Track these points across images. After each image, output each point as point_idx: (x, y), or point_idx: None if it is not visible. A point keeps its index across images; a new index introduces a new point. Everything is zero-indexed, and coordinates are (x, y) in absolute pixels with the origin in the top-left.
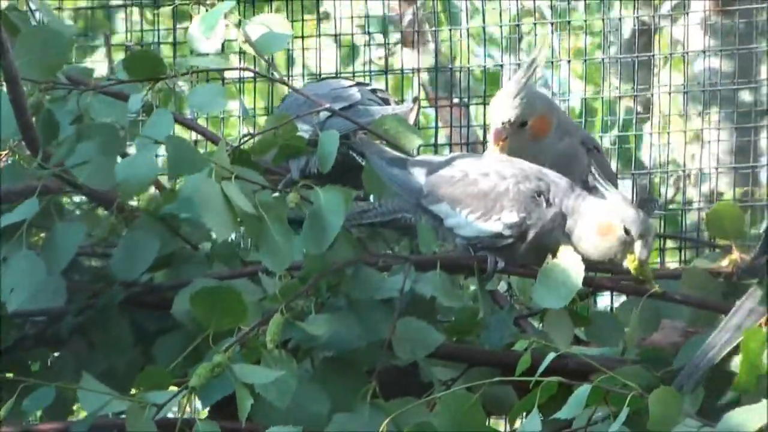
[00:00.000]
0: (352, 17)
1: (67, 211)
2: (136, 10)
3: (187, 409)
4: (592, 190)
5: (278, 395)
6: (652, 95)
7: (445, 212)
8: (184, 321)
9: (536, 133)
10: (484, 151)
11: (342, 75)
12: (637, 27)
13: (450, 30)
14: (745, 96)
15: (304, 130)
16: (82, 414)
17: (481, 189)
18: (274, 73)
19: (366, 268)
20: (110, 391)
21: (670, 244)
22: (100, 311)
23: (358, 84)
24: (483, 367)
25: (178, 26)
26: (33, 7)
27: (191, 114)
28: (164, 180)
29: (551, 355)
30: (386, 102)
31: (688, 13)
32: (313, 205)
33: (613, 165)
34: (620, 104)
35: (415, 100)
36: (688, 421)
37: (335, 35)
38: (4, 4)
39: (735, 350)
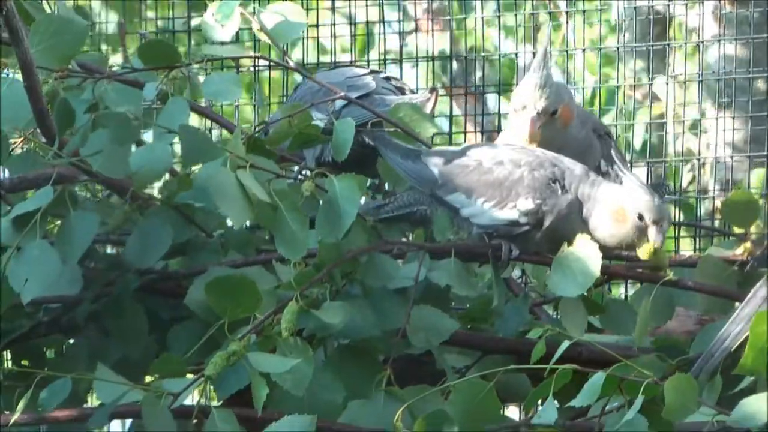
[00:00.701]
0: (366, 5)
1: (81, 199)
2: None
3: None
4: (605, 175)
5: (294, 384)
6: (667, 84)
7: (461, 202)
8: (199, 311)
9: (564, 122)
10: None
11: (356, 63)
12: (652, 16)
13: (465, 19)
14: (760, 85)
15: (318, 119)
16: (95, 401)
17: (497, 177)
18: (289, 61)
19: (381, 256)
20: (125, 381)
21: (684, 232)
22: (115, 299)
23: (372, 72)
24: (497, 354)
25: (193, 15)
26: None
27: (206, 102)
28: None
29: (566, 343)
30: (401, 90)
31: (702, 2)
32: (328, 193)
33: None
34: (635, 93)
35: (433, 89)
36: (703, 409)
37: (350, 23)
38: None
39: None
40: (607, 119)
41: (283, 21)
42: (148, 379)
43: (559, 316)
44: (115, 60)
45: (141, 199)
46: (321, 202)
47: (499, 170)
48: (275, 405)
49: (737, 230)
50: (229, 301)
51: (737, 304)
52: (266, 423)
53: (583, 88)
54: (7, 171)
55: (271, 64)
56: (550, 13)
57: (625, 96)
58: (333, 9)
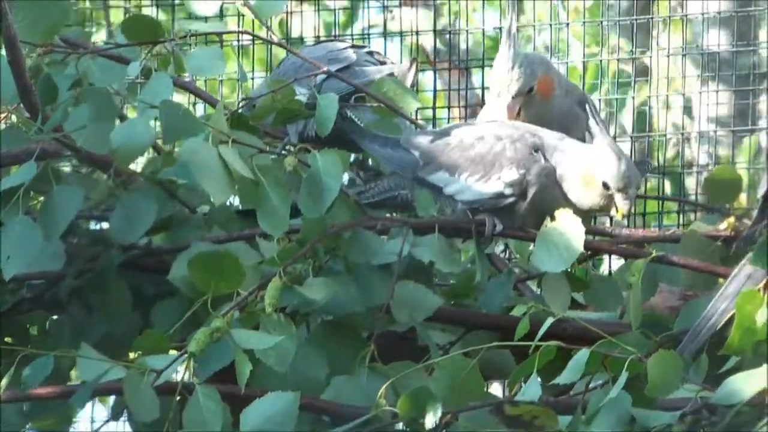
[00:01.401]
0: None
1: (65, 174)
2: None
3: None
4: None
5: (277, 360)
6: (651, 58)
7: (444, 180)
8: (182, 287)
9: (544, 94)
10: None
11: (340, 38)
12: None
13: None
14: (744, 59)
15: (301, 94)
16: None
17: (478, 152)
18: (273, 36)
19: (364, 231)
20: (108, 359)
21: (669, 206)
22: (98, 275)
23: (354, 46)
24: (481, 330)
25: None
26: None
27: (190, 78)
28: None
29: (550, 320)
30: (383, 64)
31: None
32: (311, 168)
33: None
34: (618, 67)
35: (413, 60)
36: (687, 386)
37: None
38: None
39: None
40: (596, 96)
41: None
42: (132, 355)
43: (541, 293)
44: (100, 37)
45: (124, 174)
46: (304, 177)
47: (480, 145)
48: (258, 382)
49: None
50: (212, 276)
51: (721, 280)
52: (250, 399)
53: (567, 63)
54: None
55: (255, 39)
56: None
57: (610, 70)
58: None
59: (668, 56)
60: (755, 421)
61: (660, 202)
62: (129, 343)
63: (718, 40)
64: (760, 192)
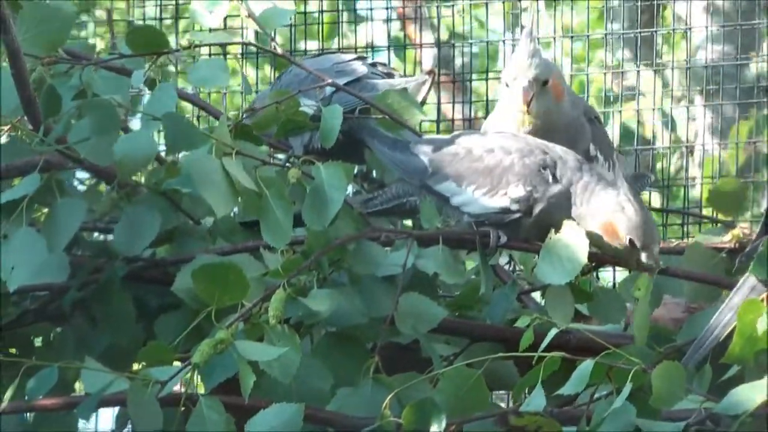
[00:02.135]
0: None
1: (68, 186)
2: None
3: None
4: (593, 159)
5: (282, 371)
6: (655, 71)
7: (451, 190)
8: (187, 298)
9: (556, 95)
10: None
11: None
12: (639, 3)
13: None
14: (748, 72)
15: (307, 105)
16: (83, 389)
17: (487, 165)
18: (277, 47)
19: (368, 243)
20: (113, 371)
21: (672, 219)
22: (102, 286)
23: (360, 58)
24: (485, 342)
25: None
26: None
27: (193, 89)
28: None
29: (554, 331)
30: (390, 76)
31: None
32: (315, 180)
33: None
34: (622, 80)
35: (430, 72)
36: (691, 397)
37: (338, 10)
38: None
39: None
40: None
41: (272, 7)
42: (135, 367)
43: (545, 304)
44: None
45: (128, 185)
46: (308, 189)
47: (489, 158)
48: (263, 393)
49: (724, 218)
50: (216, 288)
51: (725, 292)
52: (254, 411)
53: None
54: None
55: (259, 51)
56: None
57: (612, 83)
58: None
59: (672, 69)
60: None
61: (664, 215)
62: (133, 355)
63: (722, 54)
64: (764, 206)
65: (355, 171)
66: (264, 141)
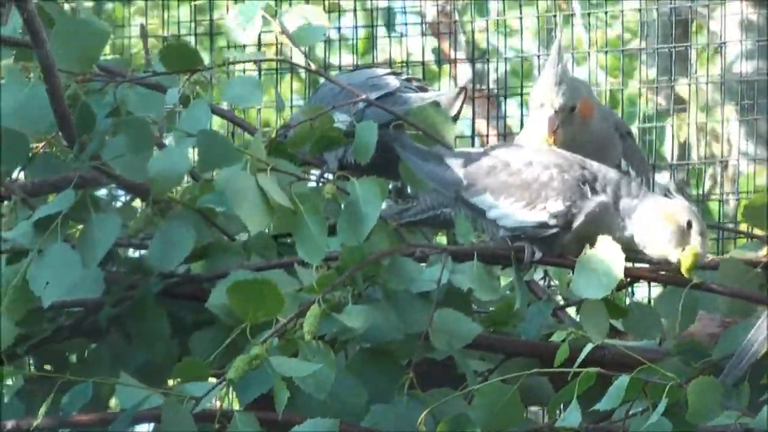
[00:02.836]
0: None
1: (103, 203)
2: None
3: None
4: (625, 174)
5: (316, 387)
6: (689, 86)
7: (488, 203)
8: (221, 314)
9: (584, 117)
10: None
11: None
12: (674, 18)
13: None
14: None
15: (341, 121)
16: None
17: (525, 179)
18: (311, 64)
19: (403, 259)
20: (147, 387)
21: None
22: (137, 302)
23: (394, 72)
24: (520, 357)
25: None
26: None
27: (228, 106)
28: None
29: (589, 346)
30: (423, 90)
31: (724, 3)
32: (350, 196)
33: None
34: (656, 95)
35: (462, 88)
36: (727, 413)
37: (372, 26)
38: None
39: None
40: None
41: (305, 24)
42: (170, 383)
43: (580, 319)
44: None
45: (163, 202)
46: (343, 205)
47: (527, 171)
48: (297, 409)
49: (759, 232)
50: (251, 304)
51: (760, 307)
52: (289, 426)
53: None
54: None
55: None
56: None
57: (647, 99)
58: (355, 10)
59: (707, 84)
60: None
61: None
62: (168, 371)
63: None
64: None
65: (390, 186)
66: (299, 157)
